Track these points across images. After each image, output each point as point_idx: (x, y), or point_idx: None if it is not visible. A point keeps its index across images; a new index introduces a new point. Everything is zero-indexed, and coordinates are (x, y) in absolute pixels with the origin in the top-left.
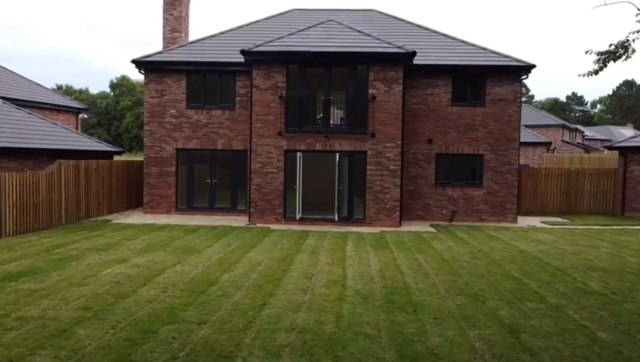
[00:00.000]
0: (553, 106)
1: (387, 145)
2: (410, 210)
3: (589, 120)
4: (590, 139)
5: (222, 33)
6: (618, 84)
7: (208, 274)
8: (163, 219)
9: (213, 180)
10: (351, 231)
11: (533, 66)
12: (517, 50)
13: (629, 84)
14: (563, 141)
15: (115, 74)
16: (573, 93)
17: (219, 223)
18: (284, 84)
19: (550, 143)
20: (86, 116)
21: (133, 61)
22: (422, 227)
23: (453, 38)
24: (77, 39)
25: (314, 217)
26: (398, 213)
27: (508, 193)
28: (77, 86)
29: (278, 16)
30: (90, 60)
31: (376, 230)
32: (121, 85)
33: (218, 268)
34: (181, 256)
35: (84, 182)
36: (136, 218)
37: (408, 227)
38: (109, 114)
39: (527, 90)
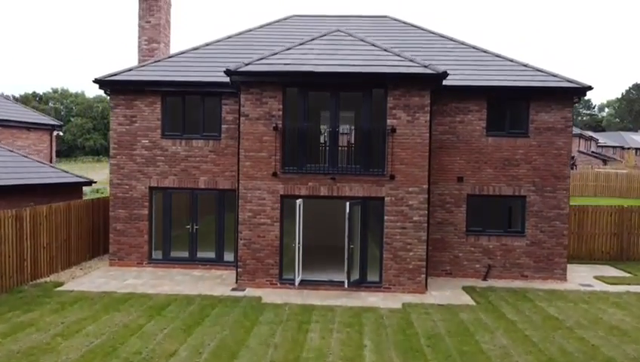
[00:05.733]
0: None
1: (410, 189)
2: (436, 263)
3: (596, 124)
4: (603, 146)
5: (207, 45)
6: (628, 88)
7: None
8: (130, 280)
9: (195, 226)
10: (365, 308)
11: (589, 88)
12: (520, 52)
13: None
14: (579, 151)
15: (115, 67)
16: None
17: (198, 288)
18: (280, 113)
19: (573, 158)
20: (61, 133)
21: (95, 80)
22: (454, 293)
23: (485, 52)
24: (76, 39)
25: (317, 280)
26: (423, 276)
27: (556, 244)
28: (73, 89)
29: (275, 23)
30: (89, 61)
31: (396, 302)
32: None
33: None
34: None
35: (30, 235)
36: (96, 276)
37: (436, 292)
38: (105, 118)
39: None
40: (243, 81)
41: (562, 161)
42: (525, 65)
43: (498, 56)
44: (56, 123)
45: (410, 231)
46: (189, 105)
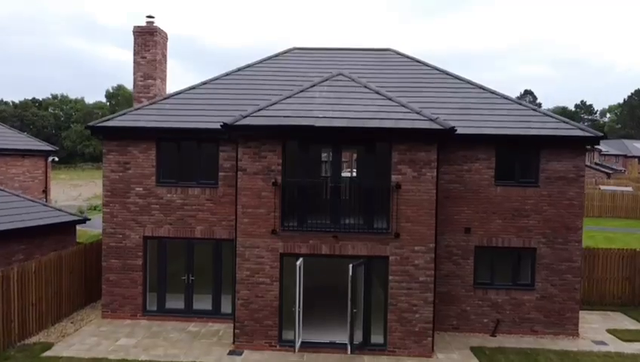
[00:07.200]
0: (561, 115)
1: (416, 248)
2: (443, 318)
3: (598, 129)
4: (605, 155)
5: (204, 83)
6: (630, 93)
7: None
8: (122, 339)
9: (191, 277)
10: None
11: (604, 137)
12: (523, 58)
13: None
14: None
15: (116, 75)
16: (582, 101)
17: (194, 350)
18: (279, 167)
19: None
20: (56, 159)
21: (87, 127)
22: (462, 356)
23: (493, 93)
24: (79, 39)
25: (319, 342)
26: (430, 339)
27: (568, 298)
28: (72, 95)
29: (275, 58)
30: (90, 62)
31: None
32: (117, 95)
33: None
34: None
35: (18, 294)
36: (87, 334)
37: (443, 355)
38: None
39: (535, 97)
40: (240, 135)
41: (574, 212)
42: (534, 109)
43: (505, 97)
44: (51, 148)
45: (416, 292)
46: (184, 151)
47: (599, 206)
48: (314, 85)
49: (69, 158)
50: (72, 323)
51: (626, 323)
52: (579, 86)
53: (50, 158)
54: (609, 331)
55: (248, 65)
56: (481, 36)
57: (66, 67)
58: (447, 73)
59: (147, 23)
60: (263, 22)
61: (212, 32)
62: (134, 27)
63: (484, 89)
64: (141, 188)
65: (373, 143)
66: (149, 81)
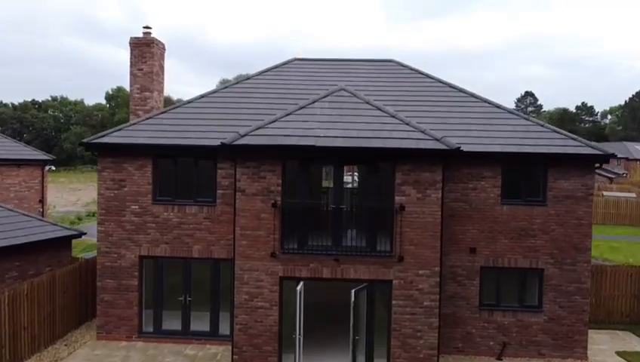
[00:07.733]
0: (562, 117)
1: (420, 272)
2: (447, 340)
3: (599, 131)
4: None
5: (202, 97)
6: (632, 95)
7: None
8: None
9: (188, 297)
10: None
11: (613, 156)
12: (523, 58)
13: None
14: None
15: (116, 75)
16: (582, 103)
17: None
18: (279, 188)
19: None
20: (53, 168)
21: (81, 143)
22: None
23: (498, 107)
24: (79, 39)
25: None
26: None
27: (576, 320)
28: (72, 97)
29: (275, 70)
30: (90, 62)
31: None
32: (117, 97)
33: None
34: None
35: (9, 319)
36: (81, 359)
37: None
38: (105, 127)
39: (535, 99)
40: (239, 154)
41: (583, 232)
42: (542, 125)
43: (511, 112)
44: (47, 157)
45: (421, 317)
46: (181, 168)
47: (603, 213)
48: (315, 101)
49: (69, 160)
50: (65, 345)
51: (634, 343)
52: (580, 87)
53: (46, 167)
54: (619, 353)
55: (247, 78)
56: (481, 36)
57: (66, 68)
58: (450, 86)
59: (144, 33)
60: (261, 19)
61: (211, 30)
62: (131, 39)
63: (489, 103)
64: (137, 207)
65: (376, 163)
66: (146, 93)
